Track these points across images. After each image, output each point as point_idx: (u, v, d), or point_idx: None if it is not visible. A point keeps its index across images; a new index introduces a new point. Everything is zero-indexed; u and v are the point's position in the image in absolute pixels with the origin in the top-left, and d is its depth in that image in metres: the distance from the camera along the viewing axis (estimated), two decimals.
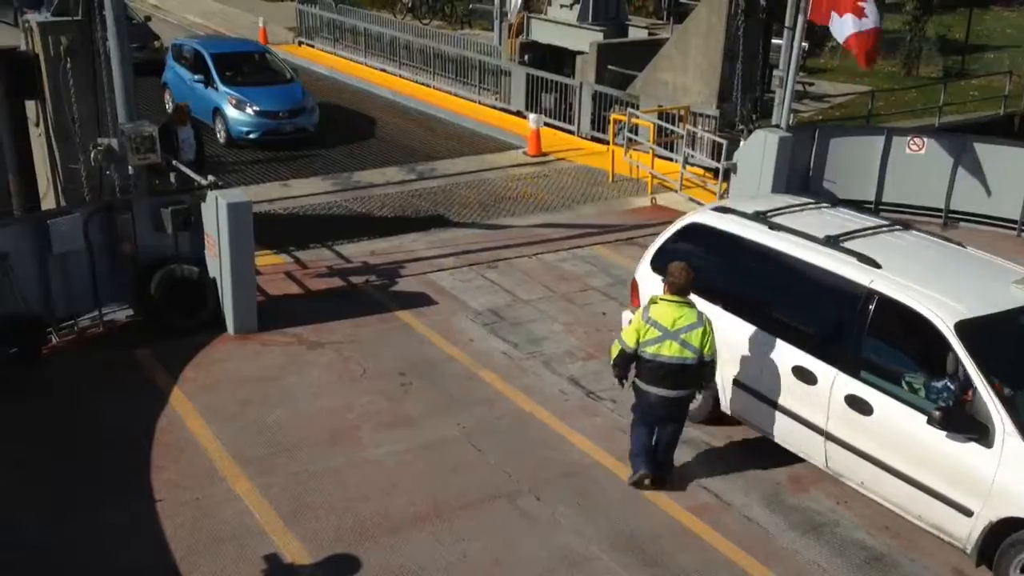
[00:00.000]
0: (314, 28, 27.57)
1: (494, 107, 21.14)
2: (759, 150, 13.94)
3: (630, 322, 7.95)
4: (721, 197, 14.61)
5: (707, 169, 15.83)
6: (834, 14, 12.81)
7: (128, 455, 8.32)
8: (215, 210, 10.19)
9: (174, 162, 11.25)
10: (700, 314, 7.75)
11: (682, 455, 8.54)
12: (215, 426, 8.80)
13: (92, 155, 10.25)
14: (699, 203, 15.03)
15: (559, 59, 22.49)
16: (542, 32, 23.23)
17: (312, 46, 27.28)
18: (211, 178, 10.62)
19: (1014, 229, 14.46)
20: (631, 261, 13.00)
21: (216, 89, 18.23)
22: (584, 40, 21.45)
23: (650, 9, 29.56)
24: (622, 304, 11.62)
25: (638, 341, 7.70)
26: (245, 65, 19.42)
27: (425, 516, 7.66)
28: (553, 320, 11.18)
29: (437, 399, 9.39)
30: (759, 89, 16.67)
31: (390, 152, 18.17)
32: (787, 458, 8.54)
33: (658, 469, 8.07)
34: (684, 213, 14.88)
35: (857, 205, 14.78)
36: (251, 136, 17.72)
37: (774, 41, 17.14)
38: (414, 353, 10.30)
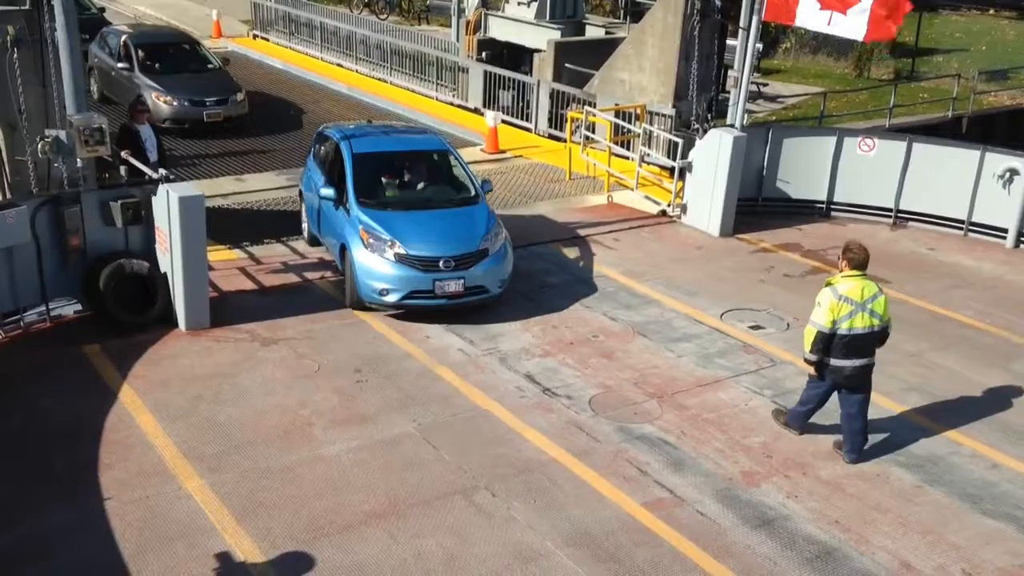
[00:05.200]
0: (269, 21, 27.28)
1: (451, 104, 21.10)
2: (714, 149, 14.07)
3: (819, 305, 8.30)
4: (676, 195, 14.73)
5: (663, 167, 15.94)
6: (836, 14, 12.72)
7: (76, 453, 8.16)
8: (166, 204, 10.03)
9: (124, 154, 11.04)
10: (877, 283, 8.44)
11: (637, 451, 8.61)
12: (166, 423, 8.67)
13: (40, 147, 10.04)
14: (656, 201, 15.16)
15: (517, 56, 22.53)
16: (500, 29, 23.26)
17: (267, 39, 27.00)
18: (162, 171, 10.46)
19: (961, 229, 14.76)
20: (587, 259, 13.08)
21: (348, 213, 11.30)
22: (541, 38, 21.51)
23: (607, 8, 29.70)
24: (579, 302, 11.69)
25: (834, 320, 8.20)
26: (413, 170, 11.99)
27: (380, 513, 7.61)
28: (510, 317, 11.17)
29: (392, 396, 9.35)
30: (714, 89, 16.81)
31: None
32: (740, 454, 8.66)
33: (863, 443, 8.67)
34: (641, 211, 15.07)
35: (809, 205, 15.15)
36: (387, 298, 10.68)
37: (729, 42, 17.31)
38: (370, 350, 10.23)
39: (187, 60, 19.38)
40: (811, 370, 8.56)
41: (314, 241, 12.68)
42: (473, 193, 11.91)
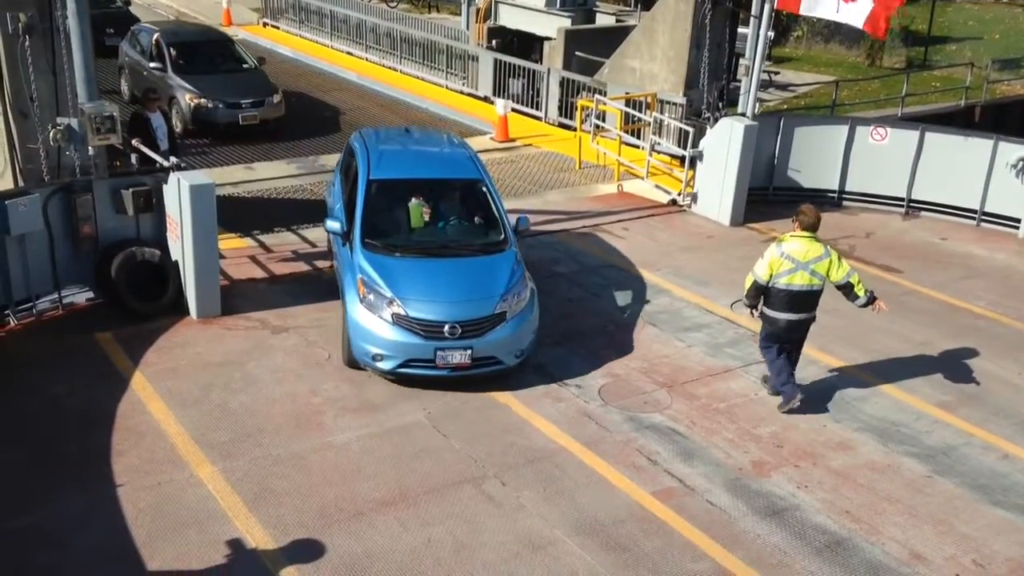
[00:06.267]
0: (279, 9, 27.27)
1: (461, 92, 21.05)
2: (725, 138, 14.02)
3: (762, 258, 8.87)
4: (687, 184, 14.69)
5: (673, 156, 15.89)
6: (840, 2, 12.68)
7: (88, 440, 8.21)
8: (178, 192, 10.05)
9: (135, 142, 11.06)
10: (826, 246, 8.86)
11: (646, 440, 8.61)
12: (177, 411, 8.71)
13: (51, 135, 10.06)
14: (666, 190, 15.12)
15: (527, 45, 22.51)
16: (510, 17, 23.24)
17: (277, 27, 26.99)
18: (174, 160, 10.48)
19: (973, 219, 14.69)
20: (597, 248, 13.06)
21: (351, 252, 9.84)
22: (552, 26, 21.49)
23: None
24: (589, 291, 11.68)
25: (771, 274, 8.74)
26: (437, 203, 10.39)
27: (390, 501, 7.64)
28: None
29: (402, 384, 9.36)
30: (725, 77, 16.74)
31: None
32: (750, 443, 8.66)
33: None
34: (651, 200, 15.04)
35: (821, 194, 15.10)
36: (381, 364, 9.16)
37: (740, 30, 17.23)
38: None
39: (222, 59, 18.49)
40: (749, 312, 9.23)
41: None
42: (501, 236, 10.14)
